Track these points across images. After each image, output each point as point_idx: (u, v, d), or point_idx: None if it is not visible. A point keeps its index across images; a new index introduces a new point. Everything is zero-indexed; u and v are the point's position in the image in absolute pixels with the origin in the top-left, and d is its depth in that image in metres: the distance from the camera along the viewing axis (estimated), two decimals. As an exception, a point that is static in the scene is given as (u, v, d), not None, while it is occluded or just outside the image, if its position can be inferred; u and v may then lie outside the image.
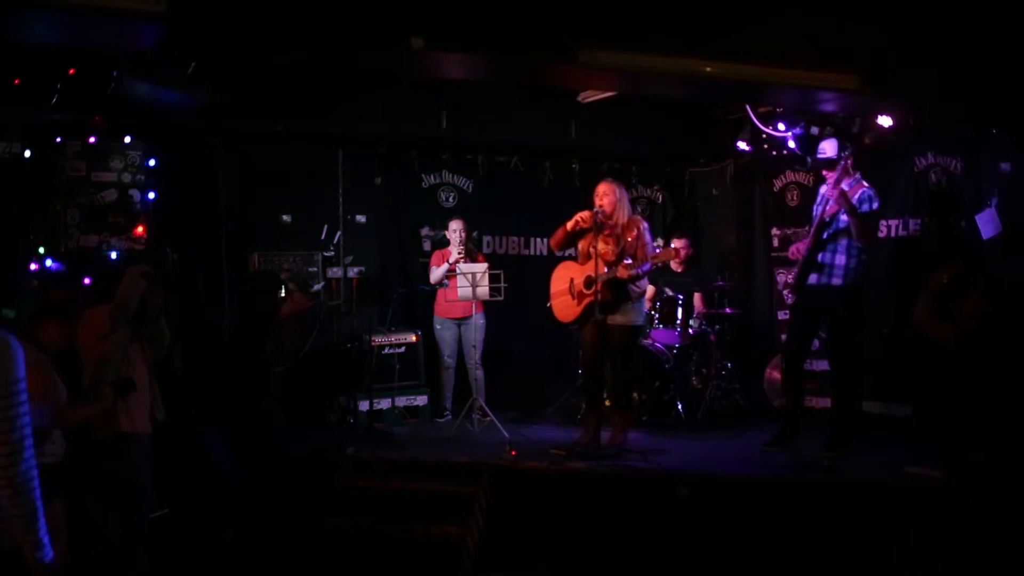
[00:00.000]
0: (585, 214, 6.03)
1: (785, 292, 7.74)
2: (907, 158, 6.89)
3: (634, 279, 5.92)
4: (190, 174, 7.32)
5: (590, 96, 7.12)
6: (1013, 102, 5.66)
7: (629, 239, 6.02)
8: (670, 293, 7.41)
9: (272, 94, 6.74)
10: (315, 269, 7.53)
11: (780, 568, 4.97)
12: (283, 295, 6.98)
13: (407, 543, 5.41)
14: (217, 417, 6.27)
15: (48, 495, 3.58)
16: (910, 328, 6.57)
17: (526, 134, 7.84)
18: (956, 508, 4.95)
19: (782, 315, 7.81)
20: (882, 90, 5.55)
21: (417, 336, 7.48)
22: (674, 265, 7.61)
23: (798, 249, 6.16)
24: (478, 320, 7.08)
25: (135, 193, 7.00)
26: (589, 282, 5.94)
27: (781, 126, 6.86)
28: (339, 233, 7.66)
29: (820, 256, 5.89)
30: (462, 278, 6.70)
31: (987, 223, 6.21)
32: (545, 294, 6.44)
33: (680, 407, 7.16)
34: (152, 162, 7.05)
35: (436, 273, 7.28)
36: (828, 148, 6.30)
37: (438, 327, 7.40)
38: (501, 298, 6.80)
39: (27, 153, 6.60)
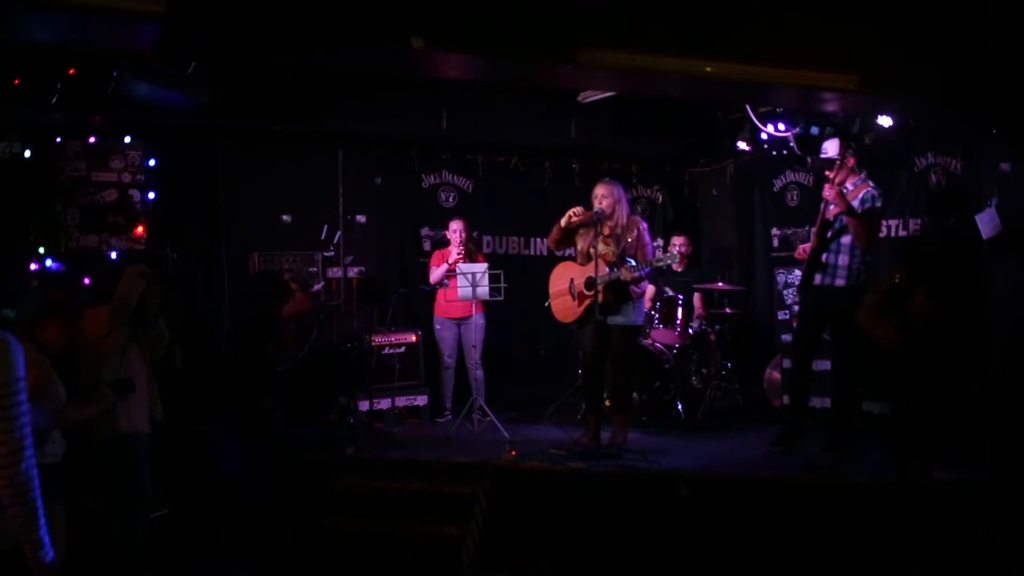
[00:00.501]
0: (578, 209, 6.05)
1: (785, 292, 7.74)
2: (907, 158, 6.89)
3: (636, 281, 5.93)
4: (190, 174, 7.32)
5: (590, 96, 7.12)
6: (1013, 102, 5.67)
7: (629, 240, 6.02)
8: (670, 293, 7.41)
9: (272, 94, 6.74)
10: (315, 269, 7.53)
11: (780, 568, 4.97)
12: (285, 296, 6.98)
13: (407, 543, 5.40)
14: (221, 416, 6.27)
15: (48, 495, 3.59)
16: (910, 328, 6.62)
17: (526, 134, 7.84)
18: (956, 508, 4.96)
19: (782, 315, 7.81)
20: (882, 90, 5.55)
21: (417, 336, 7.48)
22: (674, 265, 7.61)
23: (805, 249, 6.16)
24: (478, 320, 7.08)
25: (135, 193, 7.00)
26: (590, 283, 5.94)
27: (781, 126, 6.87)
28: (339, 233, 7.67)
29: (824, 256, 5.90)
30: (462, 278, 6.70)
31: (987, 223, 6.21)
32: (545, 294, 6.44)
33: (680, 407, 7.16)
34: (152, 162, 7.05)
35: (436, 273, 7.28)
36: (830, 148, 6.30)
37: (438, 327, 7.40)
38: (501, 298, 6.80)
39: (27, 153, 6.60)
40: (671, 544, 5.18)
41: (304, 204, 7.75)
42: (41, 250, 6.60)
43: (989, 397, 6.14)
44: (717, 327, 7.54)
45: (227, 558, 5.30)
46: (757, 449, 6.17)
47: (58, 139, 6.77)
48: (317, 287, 7.46)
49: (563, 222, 6.10)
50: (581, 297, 6.10)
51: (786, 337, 7.54)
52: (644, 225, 6.15)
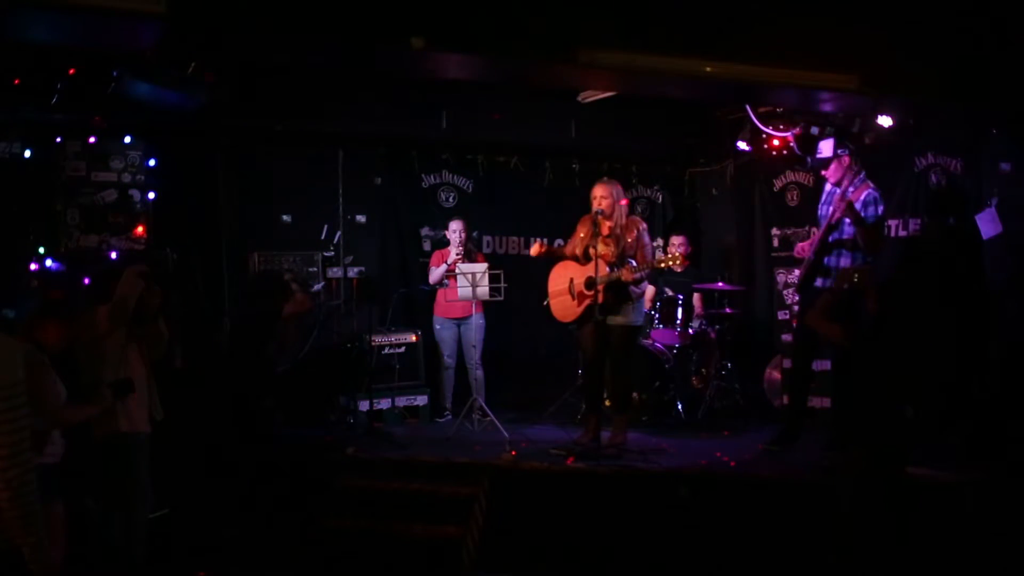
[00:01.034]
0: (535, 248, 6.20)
1: (785, 292, 7.74)
2: (907, 158, 6.88)
3: (637, 281, 5.94)
4: (190, 174, 7.31)
5: (590, 96, 7.12)
6: (1013, 102, 5.67)
7: (629, 240, 6.03)
8: (670, 293, 7.41)
9: (272, 94, 6.74)
10: (315, 269, 7.53)
11: (780, 568, 4.97)
12: (286, 296, 6.98)
13: (407, 543, 5.40)
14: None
15: (48, 495, 3.59)
16: (910, 328, 6.63)
17: (526, 134, 7.84)
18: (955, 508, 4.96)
19: (782, 315, 7.80)
20: (882, 90, 5.55)
21: (417, 336, 7.47)
22: (674, 265, 7.61)
23: (803, 248, 6.17)
24: (478, 320, 7.08)
25: (135, 193, 7.00)
26: (590, 283, 5.93)
27: (781, 126, 6.87)
28: (339, 233, 7.66)
29: (825, 259, 5.92)
30: (462, 278, 6.70)
31: (987, 223, 6.21)
32: (544, 294, 6.44)
33: (680, 407, 7.16)
34: (152, 162, 7.05)
35: (436, 273, 7.28)
36: (826, 148, 6.32)
37: (438, 327, 7.40)
38: (501, 298, 6.80)
39: (27, 153, 6.60)
40: (671, 544, 5.17)
41: (304, 204, 7.74)
42: (41, 250, 6.59)
43: (989, 397, 6.16)
44: (717, 327, 7.54)
45: (227, 558, 5.29)
46: (757, 449, 6.17)
47: (58, 139, 6.77)
48: (317, 287, 7.45)
49: (540, 248, 6.24)
50: (581, 297, 6.10)
51: (786, 337, 7.54)
52: (643, 226, 6.15)
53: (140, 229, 6.98)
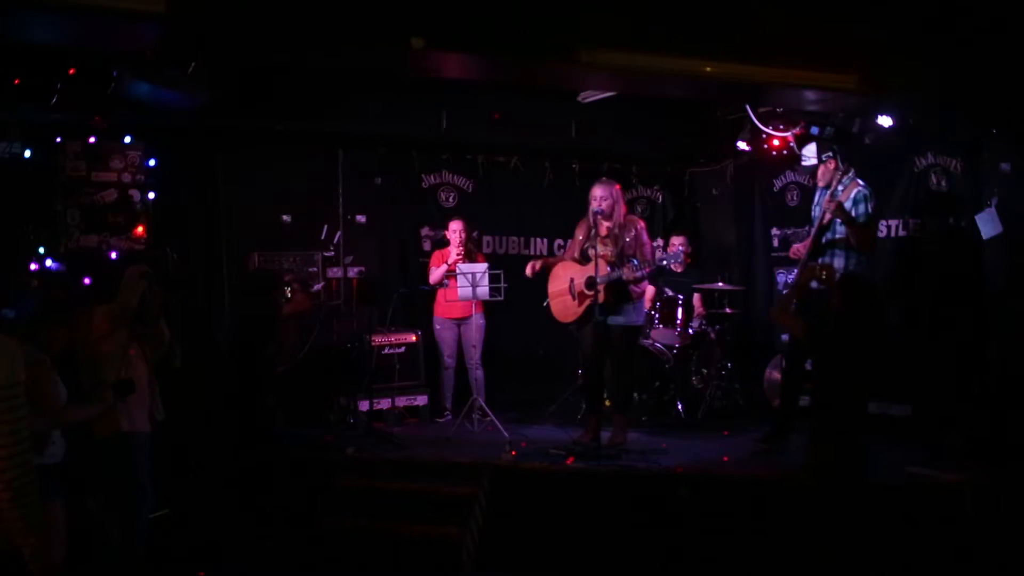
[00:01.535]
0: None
1: (785, 292, 7.74)
2: (907, 158, 6.89)
3: (638, 280, 5.95)
4: (190, 174, 7.32)
5: (590, 96, 7.12)
6: (1013, 102, 5.67)
7: (628, 239, 6.03)
8: (670, 293, 7.41)
9: (272, 94, 6.74)
10: (315, 269, 7.52)
11: (780, 567, 4.97)
12: (288, 294, 6.98)
13: (407, 543, 5.40)
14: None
15: (48, 495, 3.59)
16: (910, 328, 6.65)
17: (526, 134, 7.84)
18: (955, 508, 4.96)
19: (782, 315, 7.80)
20: (882, 90, 5.55)
21: (417, 336, 7.47)
22: (674, 265, 7.61)
23: (798, 250, 6.19)
24: (478, 320, 7.08)
25: (135, 193, 7.00)
26: (591, 283, 5.93)
27: (781, 126, 6.87)
28: (339, 233, 7.66)
29: (819, 260, 5.93)
30: (462, 278, 6.70)
31: (987, 223, 6.21)
32: (545, 294, 6.44)
33: (680, 407, 7.16)
34: (152, 162, 7.05)
35: (435, 274, 7.28)
36: (809, 154, 6.35)
37: (438, 327, 7.39)
38: (501, 298, 6.80)
39: (27, 153, 6.60)
40: (671, 544, 5.17)
41: (304, 204, 7.74)
42: (41, 250, 6.59)
43: (989, 397, 6.16)
44: (717, 327, 7.54)
45: (227, 558, 5.30)
46: (758, 449, 6.16)
47: (58, 139, 6.77)
48: (317, 287, 7.45)
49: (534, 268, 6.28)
50: (581, 297, 6.10)
51: (785, 337, 7.52)
52: (642, 224, 6.16)
53: (140, 229, 6.98)
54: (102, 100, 6.00)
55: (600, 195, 6.05)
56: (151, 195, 7.04)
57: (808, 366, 6.20)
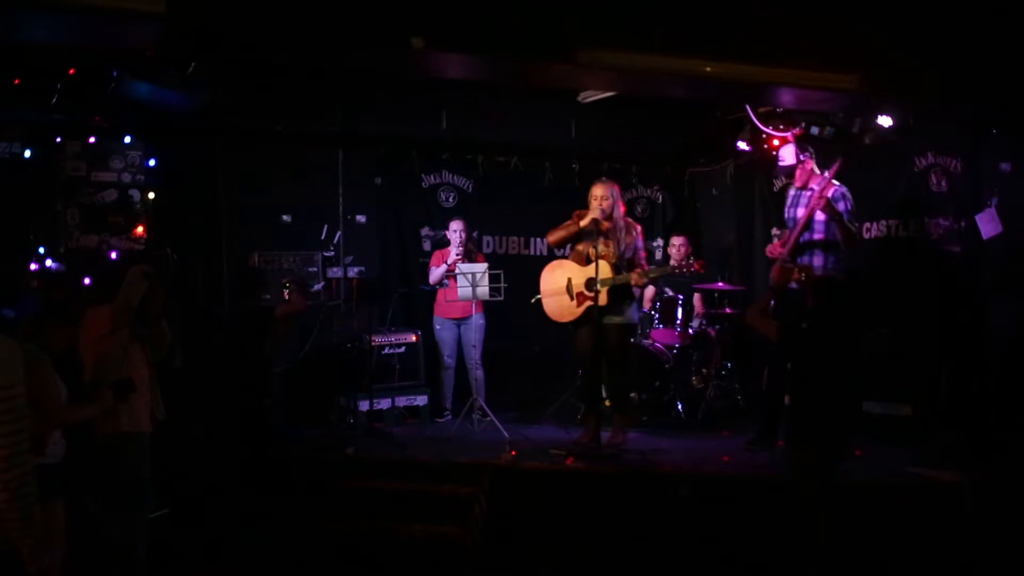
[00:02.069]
0: (584, 214, 6.05)
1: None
2: (907, 158, 6.88)
3: (645, 285, 5.97)
4: (190, 174, 7.31)
5: (590, 96, 7.11)
6: (1013, 102, 5.67)
7: (628, 241, 6.04)
8: (670, 293, 7.41)
9: (272, 94, 6.74)
10: (315, 269, 7.52)
11: (780, 567, 4.97)
12: (285, 295, 6.97)
13: (407, 543, 5.40)
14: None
15: (48, 495, 3.59)
16: (910, 328, 6.65)
17: (526, 134, 7.84)
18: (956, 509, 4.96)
19: (782, 315, 7.81)
20: (882, 90, 5.55)
21: (417, 336, 7.47)
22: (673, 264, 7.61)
23: (774, 250, 6.22)
24: (478, 320, 7.08)
25: (135, 193, 7.00)
26: (591, 284, 5.93)
27: (781, 126, 6.87)
28: (339, 233, 7.66)
29: (799, 260, 5.98)
30: (462, 278, 6.70)
31: (987, 223, 6.21)
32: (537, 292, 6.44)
33: (680, 407, 7.16)
34: (152, 162, 7.05)
35: (436, 273, 7.28)
36: (787, 155, 6.38)
37: (438, 327, 7.39)
38: (501, 298, 6.80)
39: (27, 153, 6.60)
40: (671, 544, 5.17)
41: (304, 204, 7.74)
42: (41, 250, 6.59)
43: (988, 396, 6.16)
44: (717, 327, 7.53)
45: (227, 558, 5.29)
46: (757, 449, 6.16)
47: (58, 139, 6.77)
48: (317, 287, 7.45)
49: (573, 229, 6.09)
50: (580, 298, 6.09)
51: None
52: (639, 229, 6.19)
53: (140, 229, 6.98)
54: (102, 100, 6.00)
55: (601, 194, 6.05)
56: (151, 195, 7.03)
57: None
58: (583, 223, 6.05)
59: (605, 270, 5.87)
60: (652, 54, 4.97)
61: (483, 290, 6.67)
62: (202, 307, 7.05)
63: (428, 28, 4.46)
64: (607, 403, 6.48)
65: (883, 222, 7.02)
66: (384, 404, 7.16)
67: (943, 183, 6.73)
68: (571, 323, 6.23)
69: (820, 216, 6.04)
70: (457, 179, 8.35)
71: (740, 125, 7.42)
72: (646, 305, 7.53)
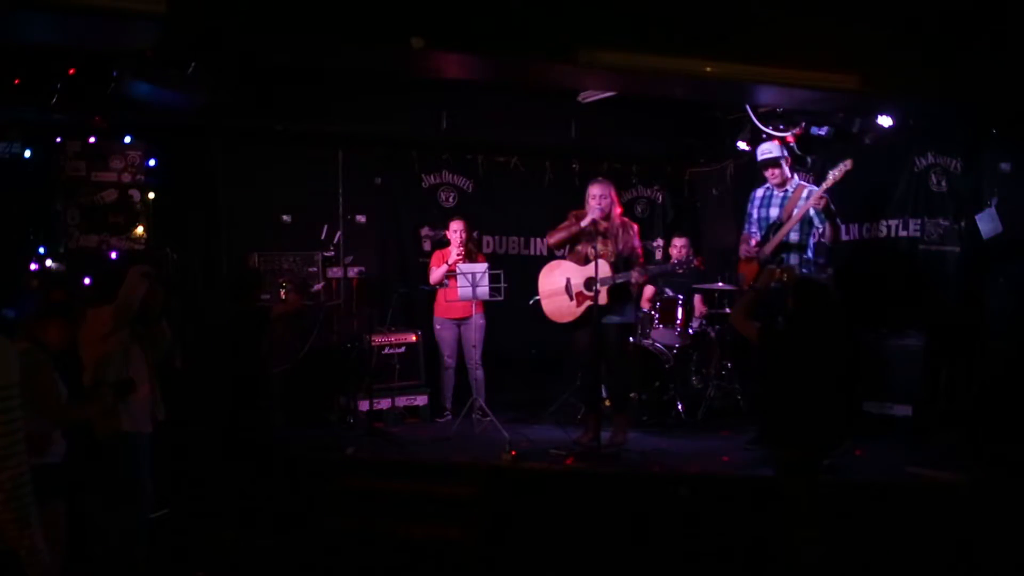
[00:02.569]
0: (582, 214, 6.06)
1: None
2: (907, 158, 6.88)
3: (644, 283, 5.97)
4: (190, 174, 7.32)
5: (590, 96, 7.11)
6: (1013, 102, 5.67)
7: (625, 240, 6.04)
8: (670, 293, 7.41)
9: (272, 94, 6.74)
10: (315, 269, 7.53)
11: (779, 567, 4.97)
12: (281, 295, 6.97)
13: (407, 543, 5.40)
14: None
15: (48, 495, 3.59)
16: (910, 328, 6.65)
17: (526, 134, 7.84)
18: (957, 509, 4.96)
19: (782, 315, 7.81)
20: (882, 90, 5.55)
21: (417, 336, 7.47)
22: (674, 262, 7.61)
23: (750, 250, 6.24)
24: (478, 320, 7.07)
25: (135, 193, 7.00)
26: (591, 284, 5.93)
27: (781, 126, 6.87)
28: (339, 233, 7.66)
29: (781, 259, 6.04)
30: (462, 278, 6.70)
31: (987, 223, 6.21)
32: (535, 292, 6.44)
33: (680, 407, 7.16)
34: (152, 162, 7.05)
35: (436, 273, 7.28)
36: (773, 149, 6.42)
37: (438, 327, 7.39)
38: (501, 298, 6.80)
39: (27, 153, 6.60)
40: (671, 544, 5.17)
41: (304, 204, 7.74)
42: (41, 250, 6.59)
43: (988, 397, 6.16)
44: (717, 327, 7.53)
45: (227, 558, 5.30)
46: (757, 449, 6.16)
47: (58, 139, 6.77)
48: (317, 287, 7.45)
49: (574, 230, 6.08)
50: (580, 298, 6.09)
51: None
52: (635, 228, 6.20)
53: (140, 229, 6.98)
54: (102, 100, 6.00)
55: (599, 193, 6.05)
56: (151, 195, 7.03)
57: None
58: (583, 223, 6.05)
59: (604, 269, 5.87)
60: (652, 54, 4.97)
61: (483, 290, 6.67)
62: (202, 307, 7.05)
63: (428, 28, 4.47)
64: (607, 403, 6.47)
65: (883, 222, 7.02)
66: (384, 404, 7.16)
67: (943, 183, 6.73)
68: (570, 323, 6.22)
69: (795, 215, 6.13)
70: (457, 179, 8.35)
71: (740, 125, 7.42)
72: (645, 305, 7.53)
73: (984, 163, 6.42)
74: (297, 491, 5.79)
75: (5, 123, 6.47)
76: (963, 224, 6.54)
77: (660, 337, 7.32)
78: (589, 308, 5.97)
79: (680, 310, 7.33)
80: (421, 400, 7.40)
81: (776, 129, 6.89)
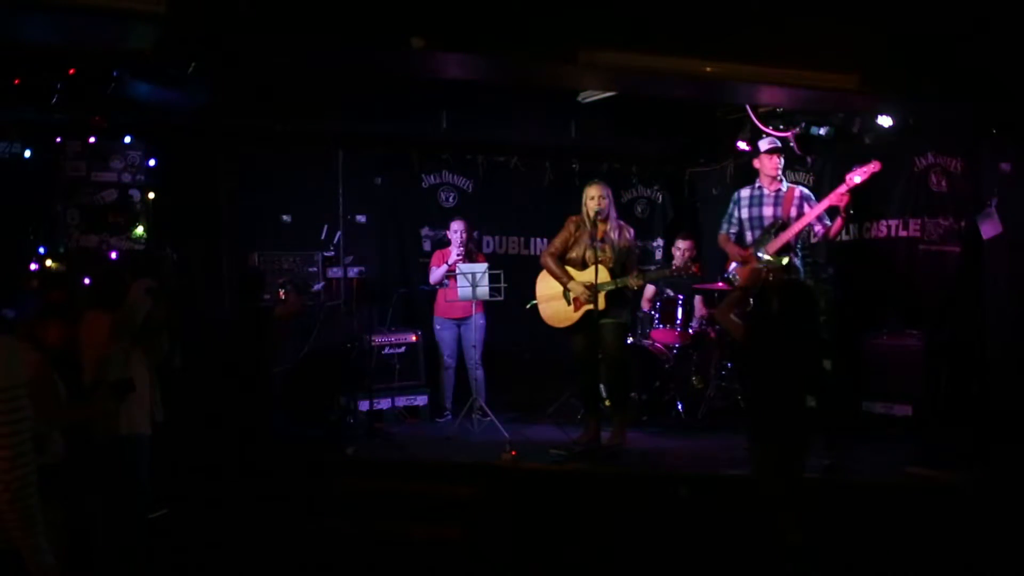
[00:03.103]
0: (580, 220, 6.06)
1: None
2: (907, 158, 6.89)
3: (642, 288, 5.97)
4: (190, 174, 7.32)
5: (590, 96, 7.11)
6: (1013, 102, 5.67)
7: (622, 244, 6.04)
8: (670, 293, 7.41)
9: (272, 94, 6.74)
10: (315, 269, 7.53)
11: (779, 567, 4.97)
12: (281, 295, 6.96)
13: (407, 543, 5.40)
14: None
15: (48, 495, 3.59)
16: (910, 328, 6.65)
17: (526, 134, 7.84)
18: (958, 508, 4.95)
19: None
20: (882, 90, 5.55)
21: (417, 336, 7.47)
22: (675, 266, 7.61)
23: (742, 253, 6.26)
24: (478, 320, 7.07)
25: (135, 193, 7.00)
26: (589, 289, 5.92)
27: (781, 126, 6.88)
28: (339, 233, 7.66)
29: (783, 258, 6.07)
30: (462, 278, 6.70)
31: (987, 223, 6.21)
32: (532, 296, 6.43)
33: (680, 407, 7.15)
34: (152, 162, 7.05)
35: (436, 273, 7.28)
36: (777, 140, 6.42)
37: (438, 327, 7.39)
38: (501, 298, 6.80)
39: (27, 153, 6.61)
40: (671, 544, 5.17)
41: (304, 204, 7.74)
42: (41, 250, 6.59)
43: (988, 396, 6.16)
44: (717, 327, 7.52)
45: (227, 558, 5.29)
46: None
47: (58, 139, 6.78)
48: (317, 287, 7.45)
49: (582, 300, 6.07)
50: (578, 303, 6.07)
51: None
52: (631, 232, 6.19)
53: (140, 229, 6.98)
54: (102, 100, 6.01)
55: (599, 194, 6.05)
56: (151, 195, 7.03)
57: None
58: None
59: (603, 275, 5.86)
60: (652, 54, 4.97)
61: (483, 290, 6.67)
62: (202, 307, 7.05)
63: (428, 28, 4.46)
64: (607, 403, 6.47)
65: (883, 222, 7.02)
66: (384, 404, 7.16)
67: (943, 183, 6.73)
68: (567, 327, 6.20)
69: (796, 216, 6.16)
70: (457, 179, 8.35)
71: (740, 125, 7.41)
72: (645, 305, 7.53)
73: (984, 163, 6.42)
74: (297, 491, 5.78)
75: (5, 123, 6.47)
76: (963, 224, 6.54)
77: (660, 337, 7.32)
78: (587, 313, 5.96)
79: (680, 310, 7.33)
80: (421, 400, 7.40)
81: (776, 129, 6.89)
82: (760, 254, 6.13)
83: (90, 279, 6.28)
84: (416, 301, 7.87)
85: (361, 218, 7.92)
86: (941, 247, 6.69)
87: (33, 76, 5.88)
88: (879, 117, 6.32)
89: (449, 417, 7.29)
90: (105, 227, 6.90)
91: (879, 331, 6.78)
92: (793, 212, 6.19)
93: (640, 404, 7.08)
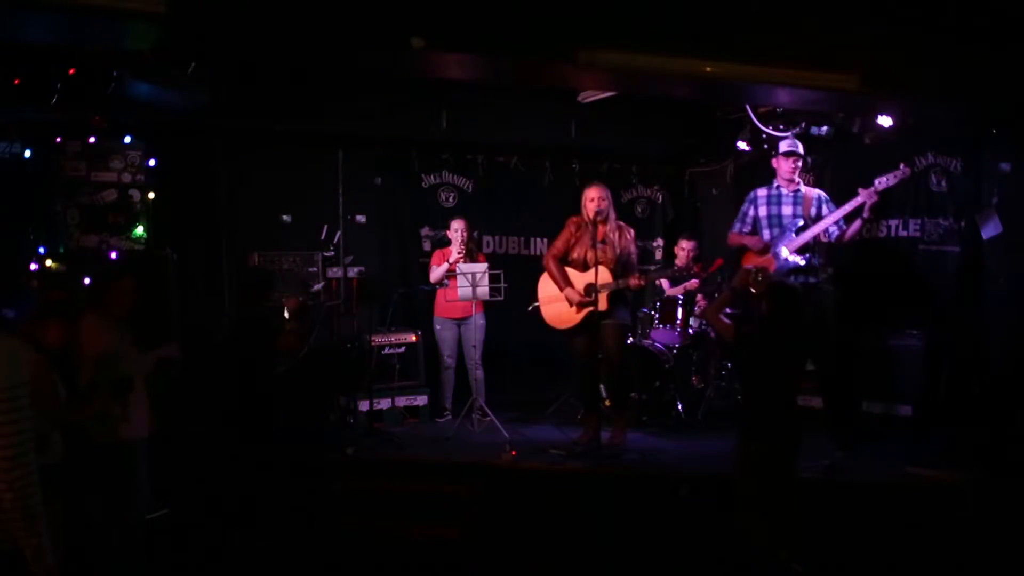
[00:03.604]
0: (580, 220, 6.05)
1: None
2: (907, 158, 6.88)
3: (643, 288, 5.97)
4: (190, 174, 7.32)
5: (590, 96, 7.12)
6: (1013, 102, 5.67)
7: (623, 245, 6.03)
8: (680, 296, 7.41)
9: (272, 94, 6.74)
10: (315, 269, 7.53)
11: (779, 568, 4.97)
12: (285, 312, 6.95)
13: (407, 543, 5.40)
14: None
15: (48, 495, 3.59)
16: (910, 328, 6.66)
17: (526, 134, 7.84)
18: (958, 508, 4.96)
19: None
20: (882, 90, 5.55)
21: (417, 336, 7.47)
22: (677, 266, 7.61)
23: (768, 261, 6.25)
24: (478, 320, 7.07)
25: (135, 193, 7.00)
26: (590, 290, 5.92)
27: (781, 126, 6.88)
28: (339, 233, 7.66)
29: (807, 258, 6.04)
30: (462, 278, 6.70)
31: (987, 223, 6.22)
32: (534, 298, 6.43)
33: (680, 407, 7.16)
34: (152, 162, 7.04)
35: (436, 273, 7.28)
36: (797, 143, 6.40)
37: (438, 327, 7.39)
38: (501, 298, 6.80)
39: (27, 153, 6.60)
40: (671, 544, 5.17)
41: (304, 204, 7.75)
42: (41, 250, 6.59)
43: (988, 397, 6.16)
44: (717, 327, 7.53)
45: (227, 559, 5.29)
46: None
47: (58, 139, 6.77)
48: (317, 287, 7.45)
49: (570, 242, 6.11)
50: (580, 304, 6.07)
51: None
52: (631, 233, 6.18)
53: (140, 229, 6.98)
54: (102, 100, 6.00)
55: (599, 195, 6.05)
56: (151, 195, 7.04)
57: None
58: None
59: (604, 275, 5.86)
60: (652, 54, 4.97)
61: (483, 290, 6.67)
62: (202, 307, 7.05)
63: (428, 28, 4.46)
64: (607, 403, 6.47)
65: (883, 222, 7.02)
66: (384, 404, 7.16)
67: (943, 183, 6.73)
68: (568, 329, 6.21)
69: (818, 215, 6.11)
70: (457, 179, 8.35)
71: (740, 125, 7.42)
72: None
73: (984, 163, 6.42)
74: (297, 491, 5.78)
75: (5, 123, 6.47)
76: (963, 224, 6.54)
77: (660, 337, 7.32)
78: (588, 314, 5.96)
79: (680, 310, 7.33)
80: (421, 400, 7.40)
81: (776, 129, 6.90)
82: (779, 252, 6.10)
83: (90, 279, 6.28)
84: (416, 301, 7.87)
85: (361, 218, 7.92)
86: (941, 247, 6.69)
87: (33, 76, 5.87)
88: (879, 117, 6.32)
89: (449, 417, 7.29)
90: (105, 227, 6.90)
91: (879, 331, 6.78)
92: (812, 212, 6.17)
93: (640, 404, 7.08)
